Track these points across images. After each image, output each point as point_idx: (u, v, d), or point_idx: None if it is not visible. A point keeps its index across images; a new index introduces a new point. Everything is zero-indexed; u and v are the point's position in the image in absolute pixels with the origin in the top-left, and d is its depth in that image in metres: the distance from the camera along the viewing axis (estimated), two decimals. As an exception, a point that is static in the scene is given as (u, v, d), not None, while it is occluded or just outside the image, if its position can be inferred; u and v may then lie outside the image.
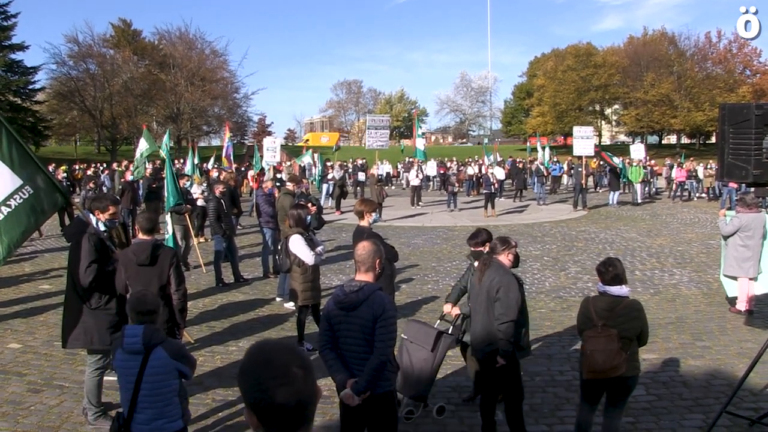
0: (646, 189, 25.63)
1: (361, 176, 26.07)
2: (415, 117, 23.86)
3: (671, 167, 28.02)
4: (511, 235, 13.25)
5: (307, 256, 6.69)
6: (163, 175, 11.91)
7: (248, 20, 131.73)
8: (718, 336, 7.34)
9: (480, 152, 38.66)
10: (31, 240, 13.62)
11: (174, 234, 10.04)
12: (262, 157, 21.87)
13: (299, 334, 6.96)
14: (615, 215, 20.00)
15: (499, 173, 23.71)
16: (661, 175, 30.00)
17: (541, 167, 26.45)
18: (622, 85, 60.95)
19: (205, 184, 16.08)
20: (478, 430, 4.73)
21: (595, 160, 28.50)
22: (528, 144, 48.18)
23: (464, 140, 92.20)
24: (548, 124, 63.59)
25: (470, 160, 35.56)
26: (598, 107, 66.71)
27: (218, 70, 61.56)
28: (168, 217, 10.13)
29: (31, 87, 47.87)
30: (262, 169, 21.32)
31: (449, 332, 5.27)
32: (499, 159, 31.76)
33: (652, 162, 30.74)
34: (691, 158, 29.75)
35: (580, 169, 21.63)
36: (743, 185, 11.53)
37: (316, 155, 25.05)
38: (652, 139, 68.63)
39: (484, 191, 20.01)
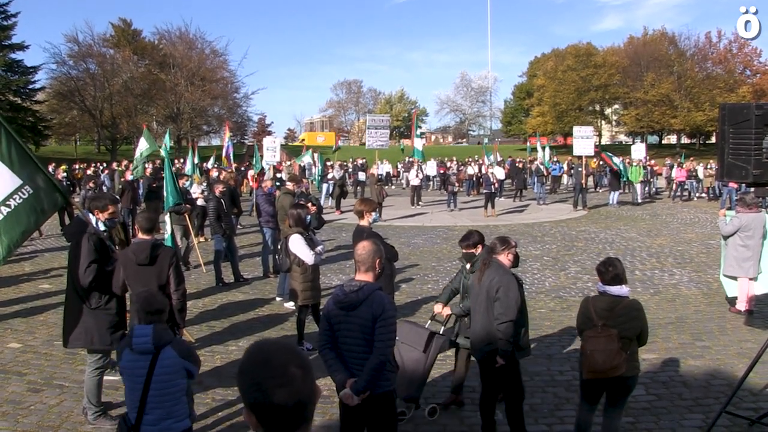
0: (646, 189, 25.63)
1: (362, 176, 26.07)
2: (414, 117, 23.85)
3: (671, 167, 28.02)
4: (511, 234, 13.25)
5: (306, 255, 6.69)
6: (163, 175, 11.91)
7: (248, 20, 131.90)
8: (717, 336, 7.34)
9: (480, 152, 38.66)
10: (31, 239, 13.61)
11: (173, 234, 10.04)
12: (262, 156, 21.88)
13: (299, 334, 6.96)
14: (615, 215, 20.00)
15: (499, 173, 23.72)
16: (661, 175, 30.00)
17: (541, 167, 26.46)
18: (622, 85, 60.92)
19: (205, 184, 16.09)
20: (478, 430, 4.73)
21: (595, 160, 28.50)
22: (528, 144, 48.18)
23: (464, 140, 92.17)
24: (548, 124, 63.57)
25: (470, 159, 35.57)
26: (598, 107, 66.69)
27: (218, 70, 61.55)
28: (167, 217, 10.13)
29: (31, 87, 47.89)
30: (262, 169, 21.33)
31: (441, 333, 5.25)
32: (499, 159, 31.75)
33: (652, 162, 30.74)
34: (691, 158, 29.75)
35: (580, 169, 21.63)
36: (743, 185, 11.54)
37: (316, 155, 25.05)
38: (652, 139, 68.62)
39: (484, 191, 20.01)
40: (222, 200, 10.43)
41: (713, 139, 54.48)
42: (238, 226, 14.87)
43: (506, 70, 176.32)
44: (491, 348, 4.46)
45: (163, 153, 16.98)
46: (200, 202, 13.39)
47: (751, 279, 8.01)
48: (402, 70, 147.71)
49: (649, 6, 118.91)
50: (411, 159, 29.62)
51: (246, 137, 68.43)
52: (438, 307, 5.47)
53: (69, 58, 52.31)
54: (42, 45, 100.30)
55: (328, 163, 26.03)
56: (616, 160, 22.94)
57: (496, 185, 21.21)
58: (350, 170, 29.96)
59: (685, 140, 64.66)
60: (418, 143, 23.97)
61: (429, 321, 5.59)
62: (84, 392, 5.12)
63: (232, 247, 10.44)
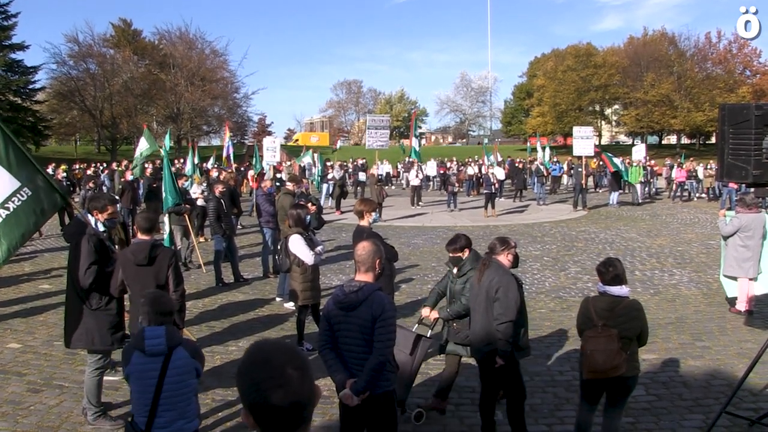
0: (646, 189, 25.64)
1: (362, 176, 26.08)
2: (413, 118, 23.84)
3: (671, 167, 28.03)
4: (511, 235, 13.27)
5: (306, 256, 6.69)
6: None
7: (248, 20, 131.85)
8: (717, 336, 7.34)
9: (480, 152, 38.67)
10: (31, 240, 13.60)
11: (171, 234, 10.04)
12: (261, 157, 21.87)
13: (299, 334, 6.96)
14: (615, 215, 20.00)
15: (500, 173, 23.72)
16: (661, 175, 30.01)
17: (541, 167, 26.46)
18: (622, 86, 60.93)
19: (204, 184, 16.09)
20: (478, 430, 4.73)
21: (594, 160, 28.51)
22: (528, 144, 48.19)
23: (464, 140, 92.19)
24: (548, 125, 63.57)
25: (470, 160, 35.57)
26: (598, 107, 66.69)
27: (218, 70, 61.57)
28: (165, 218, 10.13)
29: (31, 87, 47.89)
30: (262, 169, 21.33)
31: (428, 336, 5.22)
32: (499, 159, 31.75)
33: (652, 162, 30.74)
34: (691, 158, 29.75)
35: (580, 170, 21.63)
36: (743, 185, 11.54)
37: (315, 155, 25.06)
38: (652, 139, 68.61)
39: (485, 191, 20.01)
40: (222, 200, 10.42)
41: (713, 140, 54.48)
42: (238, 227, 14.88)
43: (506, 70, 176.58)
44: (491, 348, 4.46)
45: (162, 153, 16.98)
46: (200, 202, 13.39)
47: (751, 279, 8.01)
48: (402, 70, 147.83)
49: (649, 6, 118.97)
50: (411, 159, 29.63)
51: (246, 137, 68.45)
52: (425, 311, 5.39)
53: (69, 58, 52.42)
54: (42, 45, 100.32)
55: (328, 164, 26.04)
56: (616, 160, 22.96)
57: (497, 185, 21.21)
58: (350, 170, 29.96)
59: (685, 140, 64.68)
60: (415, 143, 23.93)
61: (416, 324, 5.51)
62: (84, 392, 5.12)
63: (232, 247, 10.44)
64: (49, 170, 25.40)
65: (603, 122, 70.25)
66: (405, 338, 5.04)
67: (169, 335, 3.48)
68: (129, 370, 3.49)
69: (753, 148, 4.39)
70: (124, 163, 27.10)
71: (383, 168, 32.07)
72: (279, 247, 7.56)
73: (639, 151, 28.81)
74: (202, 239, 14.06)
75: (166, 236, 9.65)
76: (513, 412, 4.56)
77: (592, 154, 23.63)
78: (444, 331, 5.28)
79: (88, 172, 26.82)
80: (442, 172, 31.22)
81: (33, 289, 9.85)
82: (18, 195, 4.88)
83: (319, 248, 6.98)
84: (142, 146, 16.58)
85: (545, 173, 27.31)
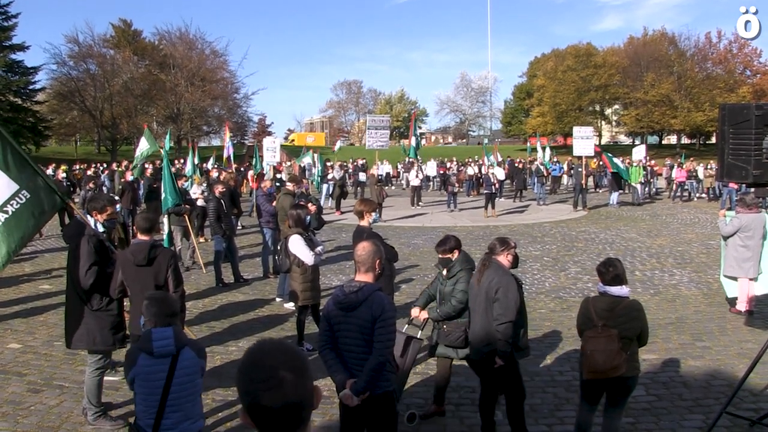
0: (646, 189, 25.64)
1: (362, 176, 26.08)
2: (413, 118, 23.85)
3: (671, 167, 28.02)
4: (511, 235, 13.26)
5: (306, 256, 6.69)
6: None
7: (248, 20, 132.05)
8: (718, 336, 7.33)
9: (480, 152, 38.67)
10: (32, 240, 13.60)
11: (170, 234, 10.03)
12: (261, 157, 21.86)
13: (299, 335, 6.96)
14: (615, 215, 20.00)
15: (500, 173, 23.73)
16: (661, 175, 30.00)
17: (541, 167, 26.46)
18: (622, 86, 60.95)
19: (204, 184, 16.09)
20: (478, 431, 4.73)
21: (595, 160, 28.51)
22: (528, 144, 48.19)
23: (464, 140, 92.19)
24: (548, 125, 63.59)
25: (470, 160, 35.58)
26: (598, 107, 66.72)
27: (218, 71, 61.61)
28: (165, 218, 10.12)
29: (31, 87, 47.95)
30: (262, 169, 21.33)
31: (418, 337, 5.18)
32: (499, 159, 31.74)
33: (652, 162, 30.74)
34: (691, 158, 29.76)
35: (580, 170, 21.62)
36: (743, 185, 11.54)
37: (316, 156, 25.06)
38: (652, 139, 68.63)
39: (485, 191, 20.00)
40: (222, 201, 10.42)
41: (713, 140, 54.48)
42: (238, 227, 14.88)
43: (506, 70, 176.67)
44: (490, 349, 4.45)
45: (162, 153, 16.98)
46: (200, 202, 13.39)
47: (751, 279, 8.01)
48: (402, 70, 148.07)
49: (649, 6, 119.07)
50: (410, 159, 29.63)
51: (246, 138, 68.48)
52: (415, 311, 5.34)
53: (69, 58, 52.49)
54: (42, 45, 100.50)
55: (328, 164, 26.04)
56: (616, 161, 22.94)
57: (497, 186, 21.21)
58: (350, 171, 29.96)
59: (685, 140, 64.69)
60: (414, 142, 23.91)
61: (406, 325, 5.44)
62: (84, 393, 5.12)
63: (232, 247, 10.44)
64: (50, 171, 25.44)
65: (603, 122, 70.27)
66: (396, 340, 4.99)
67: (176, 336, 3.45)
68: (135, 373, 3.42)
69: (753, 148, 4.39)
70: (124, 163, 27.10)
71: (383, 168, 32.07)
72: (279, 248, 7.56)
73: (639, 152, 28.81)
74: (202, 239, 14.06)
75: (165, 236, 9.64)
76: (513, 413, 4.56)
77: (593, 154, 23.62)
78: (434, 333, 5.23)
79: (89, 172, 26.80)
80: (442, 172, 31.23)
81: (33, 290, 9.85)
82: (17, 198, 4.87)
83: (319, 248, 6.98)
84: (143, 146, 16.56)
85: (545, 173, 27.31)
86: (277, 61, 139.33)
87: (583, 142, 21.79)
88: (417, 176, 23.35)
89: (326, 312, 3.74)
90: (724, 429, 4.87)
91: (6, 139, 4.89)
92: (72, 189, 24.17)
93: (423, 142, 31.02)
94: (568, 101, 61.70)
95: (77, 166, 33.61)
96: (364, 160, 32.32)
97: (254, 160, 23.95)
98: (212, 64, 60.95)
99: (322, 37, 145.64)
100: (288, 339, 7.13)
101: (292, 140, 65.03)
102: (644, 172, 24.64)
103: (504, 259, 4.65)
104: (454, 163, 35.16)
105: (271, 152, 20.81)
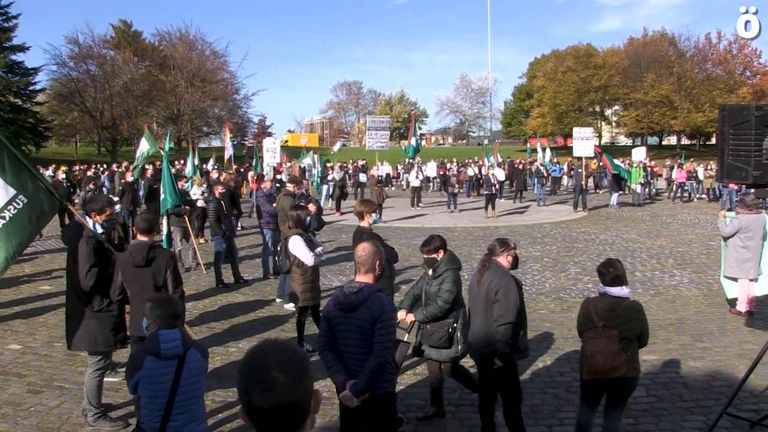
0: (647, 190, 25.64)
1: (362, 177, 26.09)
2: (413, 119, 23.84)
3: (671, 168, 28.02)
4: (511, 236, 13.27)
5: (306, 257, 6.69)
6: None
7: (248, 20, 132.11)
8: (718, 337, 7.33)
9: (480, 153, 38.67)
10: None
11: (168, 235, 10.03)
12: (261, 158, 21.85)
13: (299, 335, 6.96)
14: (615, 216, 19.99)
15: (500, 174, 23.74)
16: (661, 176, 30.00)
17: (541, 168, 26.45)
18: (622, 86, 60.95)
19: (205, 185, 16.09)
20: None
21: (595, 161, 28.51)
22: (528, 145, 48.20)
23: (464, 141, 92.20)
24: (548, 125, 63.58)
25: (470, 161, 35.58)
26: (598, 108, 66.73)
27: (218, 71, 61.58)
28: (164, 219, 10.12)
29: (31, 88, 47.93)
30: (261, 170, 21.32)
31: (405, 340, 5.14)
32: (499, 160, 31.74)
33: (653, 163, 30.74)
34: (691, 159, 29.76)
35: (580, 170, 21.63)
36: (743, 186, 11.53)
37: (316, 156, 25.07)
38: (653, 140, 68.62)
39: (485, 192, 20.01)
40: (222, 201, 10.42)
41: (713, 140, 54.45)
42: (238, 228, 14.88)
43: (506, 70, 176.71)
44: (490, 350, 4.45)
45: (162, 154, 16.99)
46: (200, 203, 13.39)
47: (751, 280, 8.01)
48: (402, 70, 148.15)
49: (648, 7, 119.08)
50: (410, 160, 29.63)
51: (246, 139, 68.49)
52: (401, 314, 5.19)
53: (69, 59, 52.43)
54: (42, 46, 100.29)
55: (328, 165, 26.06)
56: (617, 162, 22.93)
57: (497, 186, 21.22)
58: (350, 172, 29.96)
59: (685, 141, 64.70)
60: (413, 142, 23.89)
61: None
62: (84, 394, 5.12)
63: (232, 248, 10.44)
64: (50, 172, 25.42)
65: (603, 123, 70.28)
66: None
67: (182, 338, 3.43)
68: (140, 376, 3.35)
69: (753, 149, 4.39)
70: (125, 164, 27.12)
71: (383, 169, 32.08)
72: (279, 249, 7.56)
73: (639, 153, 28.81)
74: (202, 240, 14.06)
75: (164, 237, 9.64)
76: (510, 415, 4.55)
77: (593, 155, 23.63)
78: (418, 333, 5.16)
79: (89, 173, 26.81)
80: (442, 173, 31.24)
81: (33, 291, 9.85)
82: (14, 203, 4.84)
83: (319, 249, 6.98)
84: (143, 147, 16.55)
85: (545, 174, 27.31)
86: (277, 61, 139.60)
87: (583, 143, 21.79)
88: (417, 177, 23.35)
89: (326, 313, 3.74)
90: (725, 430, 4.87)
91: (2, 143, 4.86)
92: (72, 190, 24.15)
93: (423, 143, 30.99)
94: (568, 102, 61.70)
95: (77, 167, 33.60)
96: (364, 161, 32.32)
97: (254, 161, 23.95)
98: (212, 64, 60.95)
99: (322, 37, 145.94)
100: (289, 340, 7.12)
101: (286, 141, 64.99)
102: (644, 173, 24.65)
103: (504, 260, 4.64)
104: (454, 164, 35.17)
105: (271, 153, 20.82)
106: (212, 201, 10.54)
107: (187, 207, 11.21)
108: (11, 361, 6.57)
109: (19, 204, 4.86)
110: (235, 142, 39.43)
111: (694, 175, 25.30)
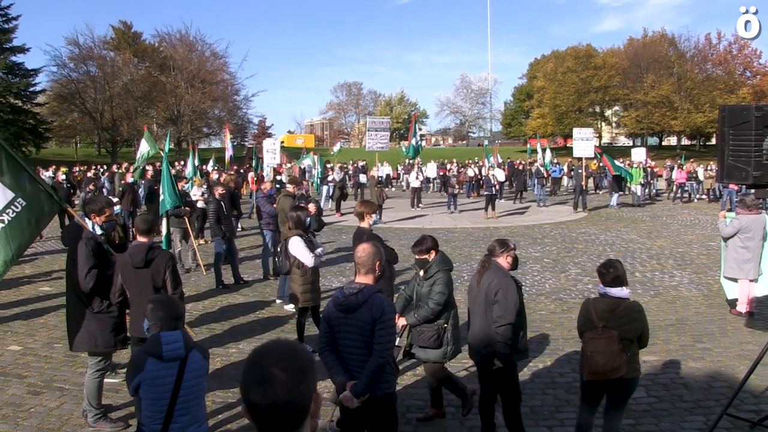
0: (647, 190, 25.65)
1: (363, 178, 26.10)
2: (413, 120, 23.84)
3: (671, 169, 28.03)
4: (511, 236, 13.26)
5: (306, 258, 6.69)
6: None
7: (248, 21, 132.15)
8: (718, 338, 7.33)
9: (480, 154, 38.67)
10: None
11: (167, 236, 10.02)
12: (261, 159, 21.85)
13: (299, 336, 6.96)
14: (615, 217, 19.99)
15: (500, 175, 23.76)
16: (661, 176, 29.99)
17: (541, 169, 26.45)
18: (622, 87, 60.94)
19: (205, 186, 16.09)
20: (479, 432, 4.72)
21: (595, 161, 28.53)
22: (528, 146, 48.21)
23: (464, 142, 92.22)
24: (548, 126, 63.57)
25: (470, 161, 35.60)
26: (598, 109, 66.71)
27: (218, 72, 61.59)
28: (163, 220, 10.12)
29: (31, 89, 47.97)
30: (261, 170, 21.32)
31: (396, 344, 5.10)
32: (499, 161, 31.76)
33: (653, 164, 30.74)
34: (692, 160, 29.77)
35: (580, 171, 21.63)
36: (743, 187, 11.53)
37: (316, 157, 25.07)
38: (653, 140, 68.61)
39: (485, 193, 20.01)
40: (222, 202, 10.42)
41: (713, 141, 54.46)
42: (238, 229, 14.87)
43: (506, 70, 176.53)
44: (489, 350, 4.45)
45: (162, 155, 16.99)
46: (200, 204, 13.39)
47: (751, 281, 8.00)
48: (402, 71, 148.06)
49: (648, 7, 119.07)
50: (410, 161, 29.61)
51: (246, 139, 68.49)
52: None
53: (69, 60, 52.43)
54: (42, 47, 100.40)
55: (328, 166, 26.07)
56: (617, 163, 22.92)
57: (497, 187, 21.22)
58: (350, 172, 29.98)
59: (685, 142, 64.69)
60: (413, 142, 23.90)
61: None
62: (84, 395, 5.12)
63: (232, 249, 10.44)
64: (50, 172, 25.41)
65: (603, 124, 70.27)
66: None
67: (185, 339, 3.42)
68: (141, 378, 3.33)
69: (753, 150, 4.39)
70: (125, 165, 27.12)
71: (383, 170, 32.09)
72: (279, 249, 7.56)
73: (639, 153, 28.83)
74: (202, 241, 14.06)
75: (163, 238, 9.63)
76: (509, 415, 4.55)
77: (593, 155, 23.63)
78: (409, 336, 5.12)
79: (89, 174, 26.84)
80: (442, 173, 31.25)
81: (33, 292, 9.85)
82: (12, 206, 4.82)
83: (319, 250, 6.98)
84: (143, 149, 16.58)
85: (545, 175, 27.31)
86: (277, 61, 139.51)
87: (583, 143, 21.78)
88: (417, 178, 23.36)
89: (326, 314, 3.74)
90: (725, 431, 4.86)
91: (1, 145, 4.85)
92: (72, 191, 24.17)
93: (423, 143, 30.94)
94: (568, 103, 61.68)
95: (77, 168, 33.62)
96: (365, 162, 32.33)
97: (253, 161, 23.95)
98: (212, 65, 60.96)
99: (322, 37, 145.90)
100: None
101: (282, 141, 64.97)
102: (644, 174, 24.66)
103: (503, 260, 4.64)
104: (454, 164, 35.19)
105: (271, 154, 20.83)
106: (212, 202, 10.55)
107: (187, 208, 11.21)
108: (11, 362, 6.57)
109: (17, 207, 4.85)
110: (235, 143, 39.46)
111: (694, 175, 25.31)
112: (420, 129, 26.11)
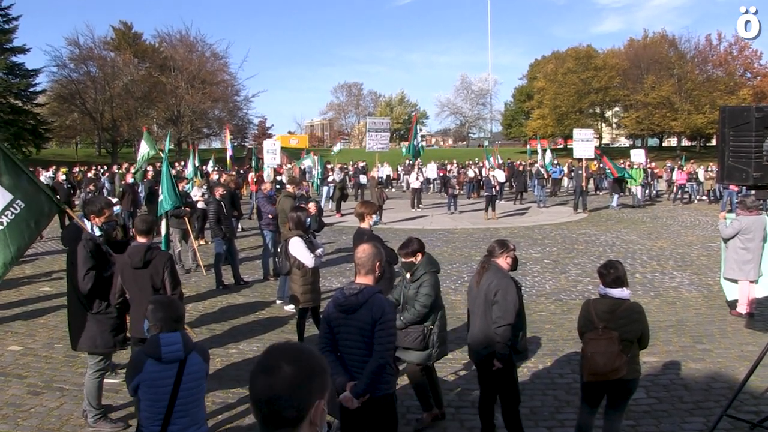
0: (647, 191, 25.65)
1: (363, 179, 26.10)
2: (414, 121, 23.84)
3: (672, 170, 28.03)
4: (511, 237, 13.27)
5: (306, 258, 6.69)
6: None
7: (248, 21, 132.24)
8: (718, 339, 7.32)
9: (480, 155, 38.68)
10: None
11: (167, 236, 10.01)
12: (261, 159, 21.85)
13: (299, 337, 6.96)
14: (615, 218, 19.99)
15: (500, 176, 23.76)
16: (661, 177, 29.99)
17: (542, 170, 26.45)
18: (623, 88, 60.98)
19: (205, 187, 16.09)
20: (478, 433, 4.72)
21: (595, 162, 28.53)
22: (528, 146, 48.23)
23: (464, 142, 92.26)
24: (548, 127, 63.60)
25: (470, 162, 35.61)
26: (598, 110, 66.76)
27: (219, 73, 61.62)
28: (163, 220, 10.11)
29: (32, 89, 48.03)
30: (261, 170, 21.33)
31: None
32: (499, 161, 31.76)
33: (653, 164, 30.74)
34: (692, 161, 29.78)
35: (580, 172, 21.63)
36: (744, 188, 11.53)
37: (316, 158, 25.08)
38: (653, 141, 68.62)
39: (485, 194, 20.01)
40: (222, 203, 10.43)
41: (714, 142, 54.48)
42: (239, 229, 14.87)
43: (506, 71, 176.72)
44: (489, 351, 4.45)
45: (161, 155, 16.99)
46: (200, 205, 13.39)
47: (751, 282, 8.00)
48: (402, 71, 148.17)
49: (649, 8, 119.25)
50: (410, 162, 29.62)
51: (246, 140, 68.51)
52: None
53: (70, 61, 52.51)
54: (43, 48, 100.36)
55: (329, 166, 26.07)
56: (619, 165, 22.92)
57: (497, 188, 21.23)
58: (350, 173, 29.98)
59: (685, 143, 64.73)
60: (414, 142, 23.90)
61: None
62: (84, 395, 5.12)
63: (233, 249, 10.44)
64: (50, 173, 25.44)
65: (603, 125, 70.29)
66: None
67: (184, 341, 3.41)
68: (140, 379, 3.32)
69: (753, 151, 4.40)
70: (125, 165, 27.13)
71: (383, 171, 32.09)
72: (279, 250, 7.56)
73: (638, 154, 28.84)
74: (202, 242, 14.06)
75: (162, 239, 9.62)
76: (509, 416, 4.54)
77: (593, 156, 23.65)
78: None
79: (89, 174, 26.85)
80: (442, 174, 31.25)
81: (34, 292, 9.86)
82: (11, 208, 4.81)
83: (319, 251, 6.98)
84: (143, 150, 16.58)
85: (545, 176, 27.32)
86: (277, 62, 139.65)
87: (584, 144, 21.77)
88: (417, 178, 23.37)
89: (326, 314, 3.74)
90: (725, 432, 4.87)
91: None
92: (72, 191, 24.18)
93: (423, 143, 30.92)
94: (568, 103, 61.70)
95: (77, 169, 33.64)
96: (365, 163, 32.33)
97: (253, 161, 23.95)
98: (212, 66, 60.99)
99: (322, 37, 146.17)
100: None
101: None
102: (644, 175, 24.66)
103: (503, 261, 4.64)
104: (455, 165, 35.20)
105: (271, 154, 20.83)
106: (212, 202, 10.55)
107: (186, 208, 11.20)
108: (11, 363, 6.57)
109: (16, 209, 4.83)
110: (235, 144, 39.47)
111: (694, 176, 25.31)
112: (420, 130, 26.10)
